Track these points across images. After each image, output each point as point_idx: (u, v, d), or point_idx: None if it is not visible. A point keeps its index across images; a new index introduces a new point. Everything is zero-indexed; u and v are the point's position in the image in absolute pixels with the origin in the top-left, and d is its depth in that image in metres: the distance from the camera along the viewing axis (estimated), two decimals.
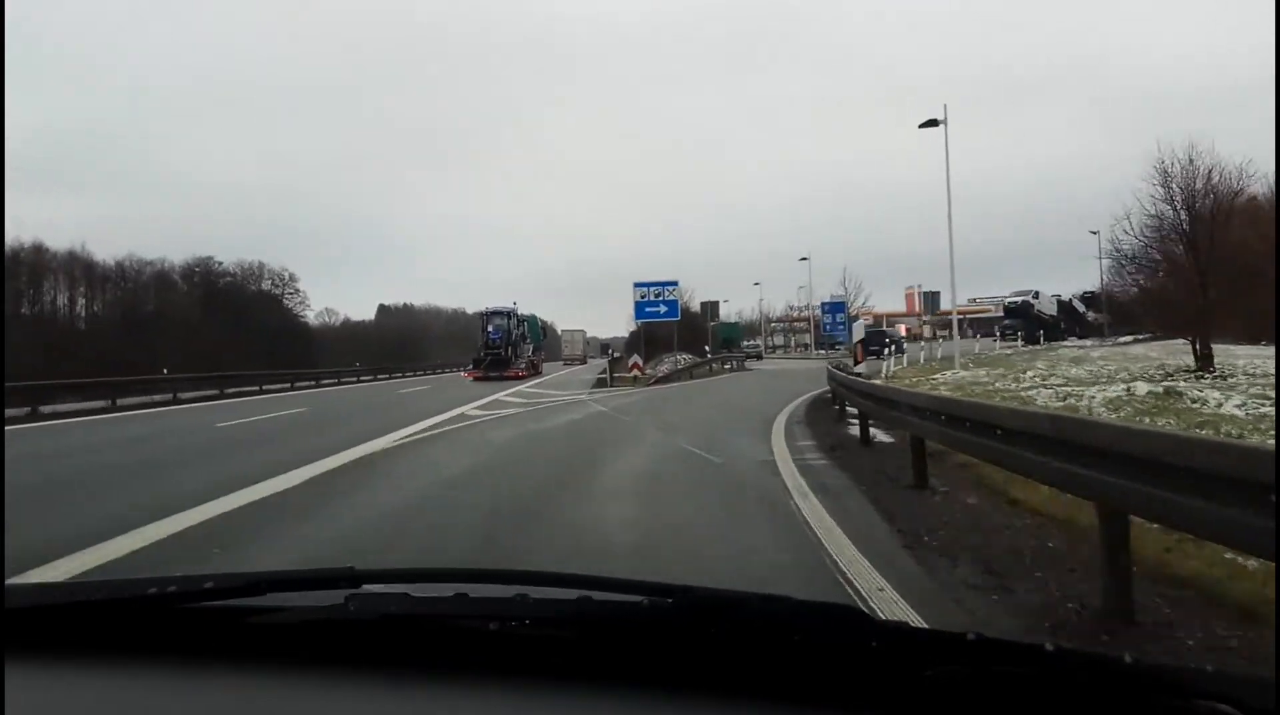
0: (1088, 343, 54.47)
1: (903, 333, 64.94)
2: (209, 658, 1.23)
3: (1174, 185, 32.42)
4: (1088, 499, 4.60)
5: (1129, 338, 57.03)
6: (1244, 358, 27.06)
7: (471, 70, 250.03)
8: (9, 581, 1.51)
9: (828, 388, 20.07)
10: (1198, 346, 26.46)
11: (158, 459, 11.61)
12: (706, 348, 45.13)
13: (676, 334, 43.79)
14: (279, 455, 11.27)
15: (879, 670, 1.09)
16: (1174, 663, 1.19)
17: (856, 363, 23.07)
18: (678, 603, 1.25)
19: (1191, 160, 32.00)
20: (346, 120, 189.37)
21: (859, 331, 26.24)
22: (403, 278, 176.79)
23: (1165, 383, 18.82)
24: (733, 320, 77.67)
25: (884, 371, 27.92)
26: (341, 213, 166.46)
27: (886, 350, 36.93)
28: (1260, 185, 41.28)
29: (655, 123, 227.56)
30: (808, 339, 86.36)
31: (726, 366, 45.91)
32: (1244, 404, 13.93)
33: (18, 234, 49.32)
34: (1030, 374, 24.14)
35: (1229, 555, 4.85)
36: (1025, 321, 58.69)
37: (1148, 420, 11.85)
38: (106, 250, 59.69)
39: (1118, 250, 33.71)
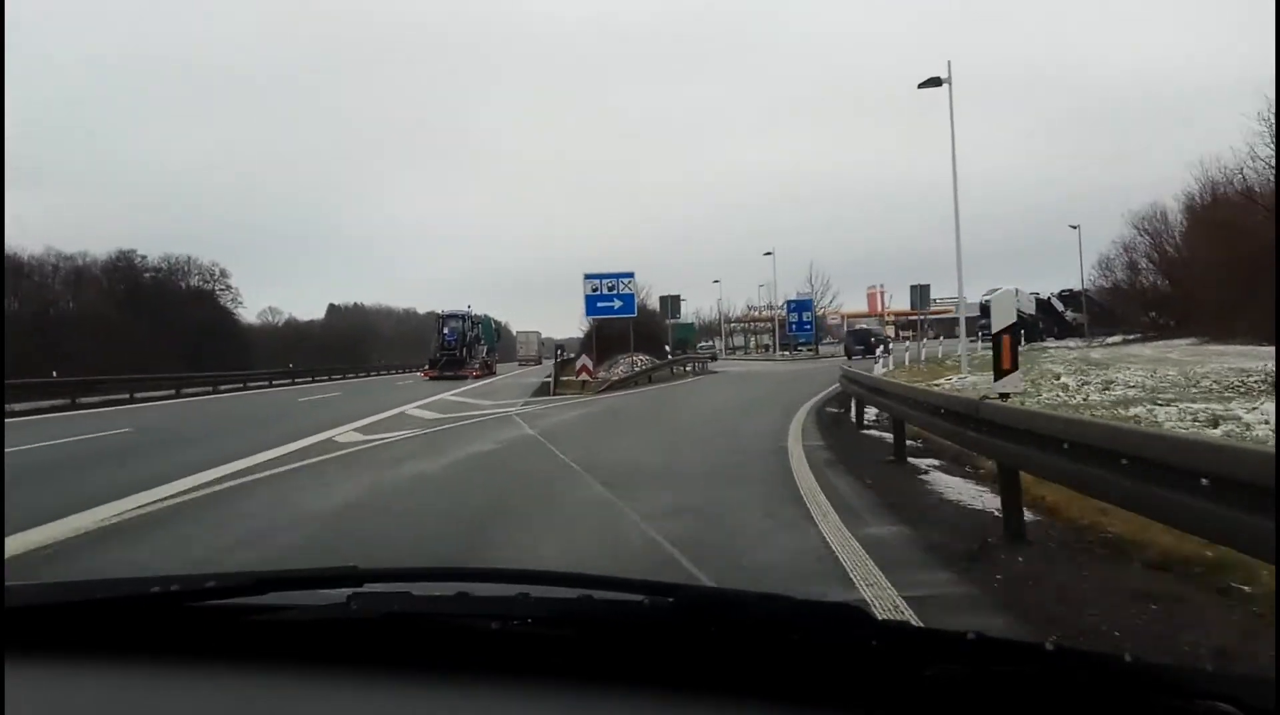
0: (1073, 343, 52.68)
1: (889, 333, 58.45)
2: (210, 657, 1.21)
3: None
4: None
5: (1118, 338, 54.44)
6: None
7: (428, 68, 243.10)
8: (9, 582, 1.38)
9: (818, 396, 19.38)
10: None
11: None
12: (667, 348, 38.20)
13: (633, 333, 39.36)
14: None
15: (879, 669, 1.07)
16: (1174, 663, 1.27)
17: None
18: (678, 602, 1.24)
19: None
20: (299, 115, 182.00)
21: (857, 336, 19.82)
22: (355, 277, 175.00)
23: None
24: (689, 321, 73.60)
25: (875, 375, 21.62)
26: (292, 210, 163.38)
27: (880, 349, 33.45)
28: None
29: (612, 122, 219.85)
30: (769, 340, 78.86)
31: (688, 369, 41.75)
32: None
33: None
34: (1068, 380, 21.37)
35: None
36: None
37: None
38: (22, 243, 52.14)
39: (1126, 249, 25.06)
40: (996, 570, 4.97)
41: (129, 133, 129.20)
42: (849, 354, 51.88)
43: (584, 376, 28.49)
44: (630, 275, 38.51)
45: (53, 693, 1.16)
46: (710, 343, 74.56)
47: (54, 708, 1.13)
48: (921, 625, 1.52)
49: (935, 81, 25.45)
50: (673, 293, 42.39)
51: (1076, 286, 61.57)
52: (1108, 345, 47.39)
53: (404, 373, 56.36)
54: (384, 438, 13.67)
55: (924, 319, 42.76)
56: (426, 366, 44.18)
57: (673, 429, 14.87)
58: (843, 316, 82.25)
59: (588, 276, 38.12)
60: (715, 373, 41.07)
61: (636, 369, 34.66)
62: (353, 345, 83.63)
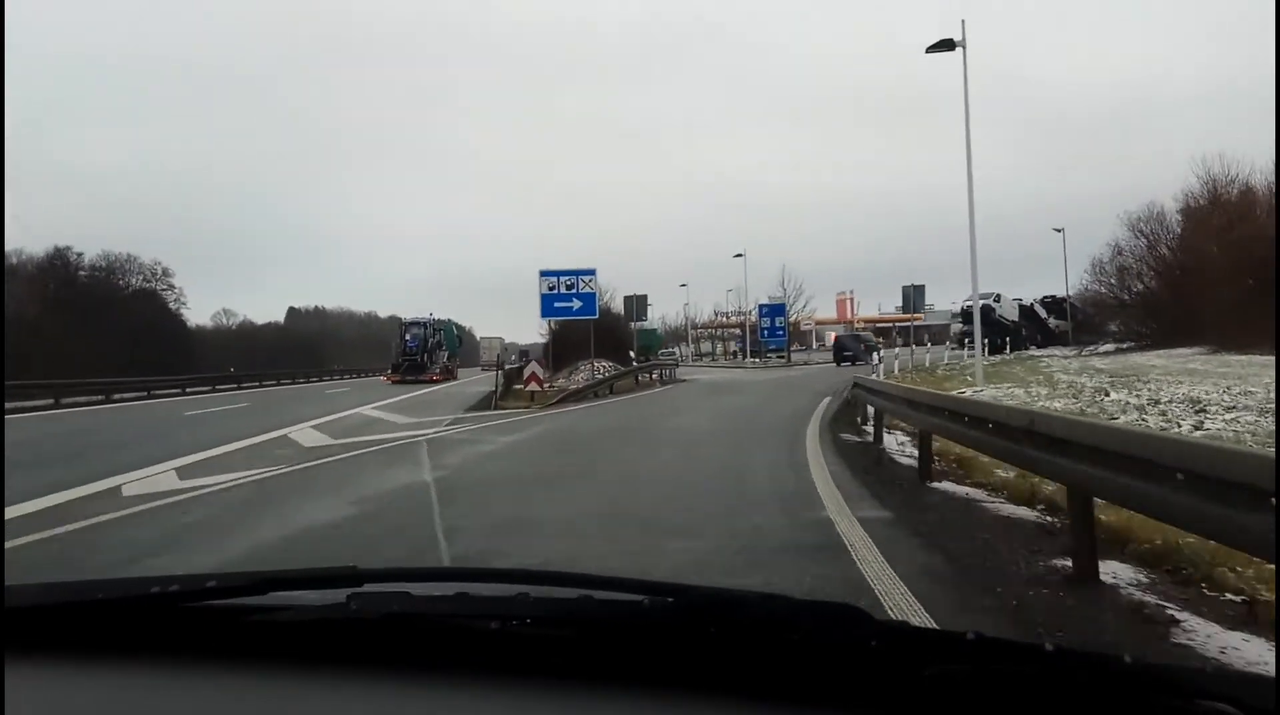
0: (1060, 352, 49.35)
1: (877, 339, 58.59)
2: (210, 657, 1.20)
3: None
4: None
5: (1110, 346, 50.81)
6: None
7: (393, 68, 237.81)
8: (9, 582, 1.37)
9: (818, 412, 17.24)
10: None
11: None
12: (632, 353, 33.00)
13: (593, 337, 35.68)
14: None
15: (878, 669, 1.06)
16: (1174, 662, 1.20)
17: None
18: (678, 602, 1.24)
19: None
20: (261, 114, 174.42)
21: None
22: (318, 280, 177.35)
23: None
24: (653, 326, 70.83)
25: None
26: (256, 211, 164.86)
27: (875, 356, 30.03)
28: None
29: (581, 124, 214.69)
30: (736, 346, 73.88)
31: (654, 377, 37.21)
32: None
33: None
34: (1121, 397, 17.61)
35: None
36: (985, 327, 47.35)
37: None
38: None
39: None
40: None
41: (80, 131, 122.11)
42: (838, 361, 49.95)
43: (533, 386, 24.53)
44: (591, 272, 35.00)
45: (53, 693, 1.15)
46: (673, 350, 71.49)
47: (54, 708, 1.12)
48: (921, 625, 1.48)
49: (947, 44, 22.39)
50: (640, 294, 36.45)
51: (1059, 292, 56.91)
52: (1101, 353, 45.10)
53: (359, 377, 57.14)
54: (203, 486, 9.77)
55: (896, 326, 38.12)
56: (389, 371, 46.05)
57: (641, 472, 10.84)
58: (815, 322, 77.11)
59: (544, 273, 34.59)
60: (685, 381, 37.78)
61: (600, 376, 31.27)
62: (309, 349, 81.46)
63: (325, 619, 1.22)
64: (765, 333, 58.12)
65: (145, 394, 33.71)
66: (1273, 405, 13.63)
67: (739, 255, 61.41)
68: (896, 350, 36.15)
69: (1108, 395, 17.66)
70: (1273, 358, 24.29)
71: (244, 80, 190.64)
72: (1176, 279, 42.86)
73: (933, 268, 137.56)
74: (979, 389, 19.80)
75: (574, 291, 33.69)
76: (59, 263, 55.93)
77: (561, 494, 8.75)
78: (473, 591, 1.27)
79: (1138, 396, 17.15)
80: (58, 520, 7.69)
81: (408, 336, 49.18)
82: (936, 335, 60.32)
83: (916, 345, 42.37)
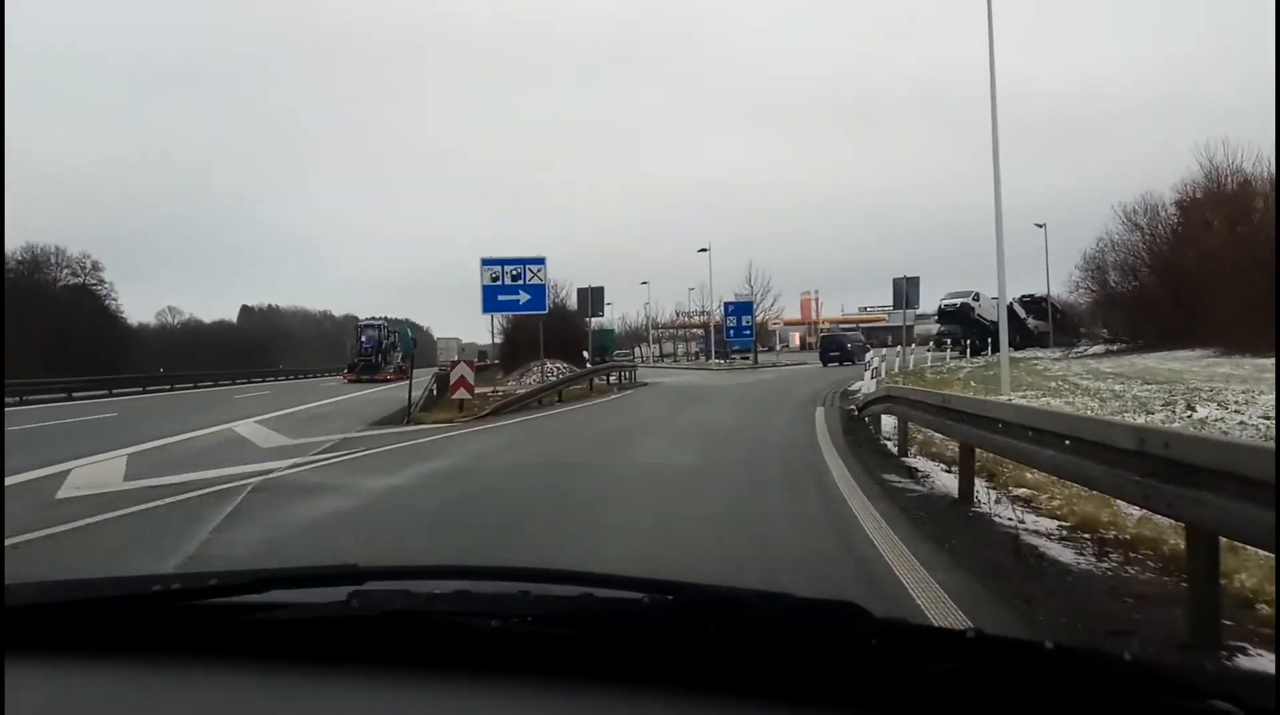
0: (1046, 354, 45.30)
1: (863, 338, 53.41)
2: (211, 655, 1.19)
3: None
4: None
5: (1100, 348, 48.62)
6: None
7: (349, 65, 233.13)
8: (9, 582, 1.35)
9: (817, 431, 14.15)
10: None
11: None
12: (586, 355, 27.26)
13: (543, 335, 30.95)
14: None
15: (879, 668, 1.06)
16: (1174, 661, 1.28)
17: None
18: (678, 600, 1.24)
19: None
20: (211, 110, 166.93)
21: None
22: (274, 278, 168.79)
23: None
24: (610, 327, 66.31)
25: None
26: (211, 207, 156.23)
27: (871, 357, 25.90)
28: None
29: (545, 125, 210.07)
30: (698, 347, 68.59)
31: (612, 380, 32.18)
32: None
33: None
34: (1189, 411, 14.24)
35: None
36: (965, 327, 43.00)
37: None
38: None
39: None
40: None
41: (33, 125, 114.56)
42: (824, 361, 47.20)
43: (461, 394, 19.95)
44: (540, 262, 30.11)
45: (53, 693, 1.13)
46: (628, 351, 67.15)
47: (54, 708, 1.10)
48: (921, 624, 1.23)
49: None
50: (596, 286, 31.29)
51: (1037, 291, 52.63)
52: (1093, 356, 42.13)
53: (308, 377, 57.27)
54: None
55: (860, 327, 33.60)
56: (346, 370, 48.36)
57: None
58: (783, 322, 72.07)
59: (486, 262, 29.67)
60: (646, 385, 33.17)
61: (552, 379, 27.41)
62: (260, 348, 78.67)
63: (326, 617, 1.21)
64: (731, 332, 53.43)
65: (65, 395, 32.05)
66: None
67: (703, 250, 57.05)
68: (884, 351, 31.31)
69: (1194, 410, 14.42)
70: None
71: (196, 74, 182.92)
72: (1176, 276, 38.32)
73: (897, 268, 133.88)
74: (1008, 399, 16.12)
75: (520, 283, 29.28)
76: None
77: None
78: (473, 590, 1.26)
79: (1238, 411, 14.09)
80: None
81: (363, 338, 50.77)
82: (897, 338, 55.75)
83: (883, 347, 37.57)
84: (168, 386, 40.86)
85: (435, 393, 22.56)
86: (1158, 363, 31.55)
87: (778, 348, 68.39)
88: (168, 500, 8.64)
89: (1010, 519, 6.89)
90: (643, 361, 68.65)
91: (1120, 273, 45.44)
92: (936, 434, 10.33)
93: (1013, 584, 4.95)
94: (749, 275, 61.18)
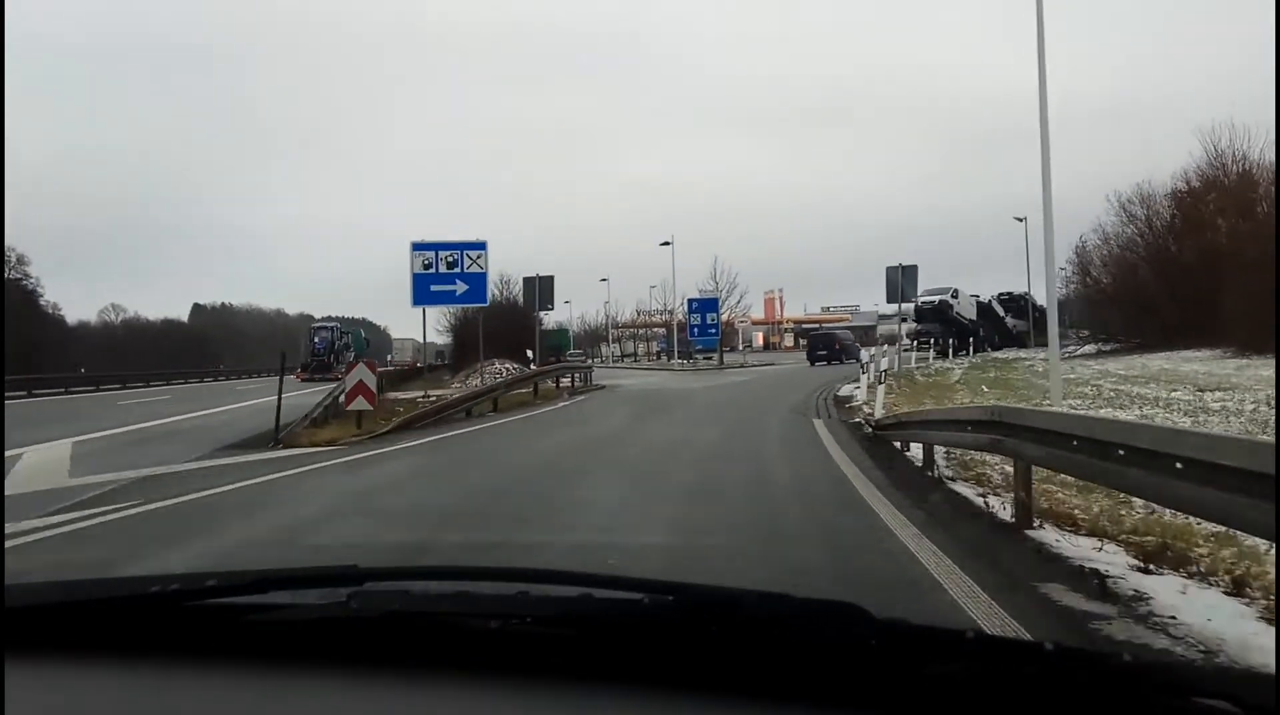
0: (1029, 354, 38.20)
1: (852, 336, 49.91)
2: (211, 656, 1.18)
3: None
4: None
5: (1092, 347, 42.37)
6: None
7: (310, 63, 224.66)
8: (9, 582, 1.34)
9: (808, 444, 12.03)
10: None
11: None
12: (530, 354, 21.70)
13: (482, 332, 25.66)
14: None
15: (878, 668, 1.05)
16: (1174, 661, 1.32)
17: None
18: (679, 601, 1.23)
19: None
20: (165, 103, 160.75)
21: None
22: (230, 277, 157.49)
23: None
24: (561, 327, 62.67)
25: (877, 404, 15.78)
26: (163, 204, 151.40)
27: (867, 355, 21.01)
28: None
29: (507, 124, 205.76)
30: (659, 346, 63.91)
31: (564, 383, 27.55)
32: None
33: None
34: None
35: None
36: (943, 326, 38.42)
37: None
38: None
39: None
40: None
41: None
42: (812, 360, 44.09)
43: (359, 403, 15.49)
44: (481, 247, 25.08)
45: (53, 693, 1.12)
46: (581, 352, 62.48)
47: (54, 708, 1.09)
48: (921, 624, 1.18)
49: None
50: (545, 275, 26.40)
51: (1014, 288, 48.95)
52: (1081, 356, 37.91)
53: (255, 377, 54.35)
54: None
55: (823, 327, 29.48)
56: (299, 369, 46.42)
57: None
58: (750, 321, 67.46)
59: (417, 247, 24.71)
60: (602, 388, 29.09)
61: (500, 380, 23.96)
62: (210, 347, 75.74)
63: (326, 617, 1.20)
64: (695, 330, 49.10)
65: None
66: None
67: (666, 243, 52.43)
68: (873, 350, 26.81)
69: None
70: None
71: (151, 65, 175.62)
72: (1176, 270, 34.29)
73: (859, 268, 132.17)
74: (1058, 404, 13.74)
75: (457, 271, 24.55)
76: None
77: None
78: (473, 590, 1.26)
79: None
80: None
81: (315, 339, 51.62)
82: (863, 338, 51.58)
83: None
84: (92, 387, 38.82)
85: (337, 401, 17.59)
86: (1172, 364, 27.47)
87: (742, 347, 63.87)
88: None
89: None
90: (602, 362, 63.85)
91: (1118, 267, 41.28)
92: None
93: None
94: (714, 271, 57.01)
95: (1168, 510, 5.77)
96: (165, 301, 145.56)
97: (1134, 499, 6.09)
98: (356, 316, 78.67)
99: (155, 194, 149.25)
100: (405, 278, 25.12)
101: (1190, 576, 4.95)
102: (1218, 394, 16.82)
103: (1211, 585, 4.81)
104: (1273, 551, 4.46)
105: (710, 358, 53.22)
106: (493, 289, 45.35)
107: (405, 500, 8.83)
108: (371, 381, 16.06)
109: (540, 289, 27.91)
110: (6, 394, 31.03)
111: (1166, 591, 4.85)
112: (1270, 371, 22.07)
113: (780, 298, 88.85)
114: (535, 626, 1.14)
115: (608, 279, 77.51)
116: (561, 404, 23.15)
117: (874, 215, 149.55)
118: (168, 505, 8.37)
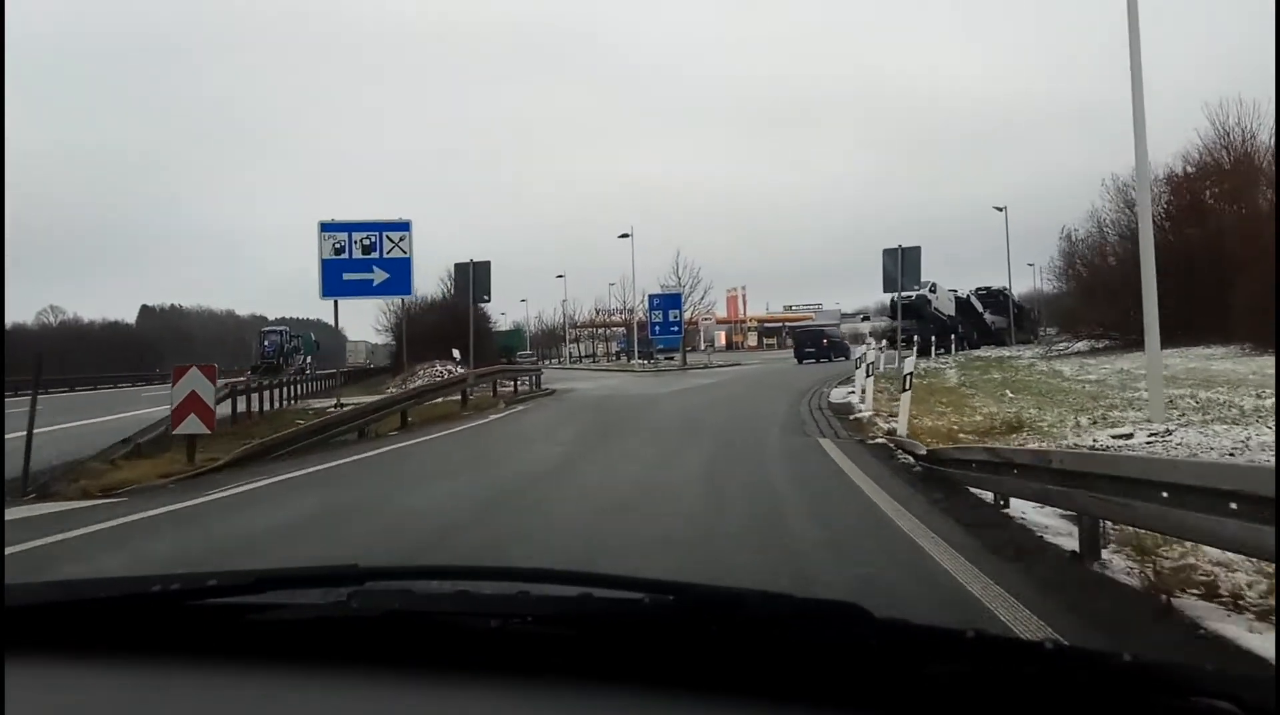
0: (1012, 352, 37.58)
1: (843, 333, 47.57)
2: (211, 656, 1.16)
3: None
4: None
5: (1083, 345, 36.91)
6: None
7: (268, 60, 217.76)
8: (9, 581, 1.29)
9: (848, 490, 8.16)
10: None
11: None
12: (456, 354, 16.45)
13: (404, 329, 18.72)
14: None
15: (879, 668, 1.03)
16: (1174, 661, 1.01)
17: None
18: (679, 601, 1.19)
19: None
20: (115, 101, 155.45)
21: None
22: (186, 278, 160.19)
23: None
24: (529, 325, 65.68)
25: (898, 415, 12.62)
26: (112, 204, 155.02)
27: (865, 352, 19.25)
28: None
29: (457, 121, 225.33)
30: (619, 346, 59.74)
31: (506, 387, 23.48)
32: None
33: None
34: None
35: None
36: (919, 322, 34.12)
37: None
38: None
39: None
40: None
41: None
42: (799, 358, 40.52)
43: (191, 426, 11.01)
44: (404, 227, 20.42)
45: (53, 693, 1.10)
46: (531, 353, 57.37)
47: (54, 708, 1.07)
48: (921, 624, 1.14)
49: None
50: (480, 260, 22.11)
51: (992, 283, 45.66)
52: (1075, 354, 34.51)
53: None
54: None
55: (786, 326, 26.51)
56: (250, 372, 46.07)
57: None
58: (715, 320, 63.14)
59: (326, 227, 20.01)
60: (553, 393, 24.82)
61: (433, 382, 20.85)
62: (149, 350, 70.09)
63: (326, 617, 1.17)
64: (657, 328, 44.74)
65: None
66: None
67: (625, 235, 48.65)
68: (863, 348, 22.76)
69: None
70: None
71: (107, 63, 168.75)
72: (1183, 259, 30.60)
73: (821, 268, 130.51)
74: (1162, 429, 9.66)
75: (375, 257, 19.88)
76: None
77: None
78: (474, 590, 1.22)
79: None
80: None
81: (265, 342, 52.12)
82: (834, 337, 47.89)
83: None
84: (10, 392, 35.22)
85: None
86: (1198, 363, 23.55)
87: (704, 347, 59.69)
88: None
89: None
90: (560, 363, 59.31)
91: (1116, 259, 37.43)
92: None
93: None
94: (676, 265, 52.44)
95: None
96: (117, 303, 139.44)
97: None
98: (312, 318, 73.92)
99: (108, 196, 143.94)
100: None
101: None
102: None
103: None
104: None
105: (672, 358, 49.66)
106: (441, 282, 40.22)
107: None
108: (209, 394, 11.66)
109: (475, 277, 22.23)
110: None
111: None
112: None
113: (743, 295, 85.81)
114: (535, 626, 1.12)
115: (564, 275, 72.75)
116: (493, 417, 18.98)
117: (832, 215, 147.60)
118: None
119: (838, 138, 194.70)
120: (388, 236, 20.36)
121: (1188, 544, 5.11)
